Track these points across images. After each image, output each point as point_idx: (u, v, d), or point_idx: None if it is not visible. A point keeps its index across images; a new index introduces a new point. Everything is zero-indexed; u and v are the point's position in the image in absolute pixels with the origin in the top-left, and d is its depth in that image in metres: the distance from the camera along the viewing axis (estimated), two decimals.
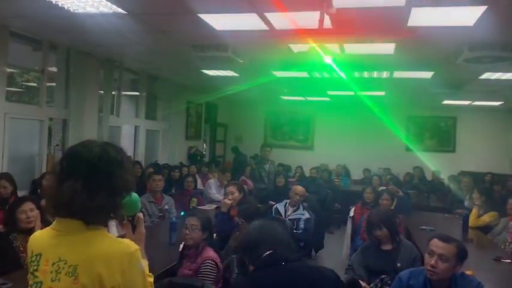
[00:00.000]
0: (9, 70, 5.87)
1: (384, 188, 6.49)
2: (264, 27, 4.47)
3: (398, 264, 3.33)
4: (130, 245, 1.36)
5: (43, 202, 3.79)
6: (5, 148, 5.30)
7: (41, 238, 1.41)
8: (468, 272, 2.64)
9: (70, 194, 1.30)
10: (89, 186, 1.31)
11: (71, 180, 1.32)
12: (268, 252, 1.91)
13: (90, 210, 1.31)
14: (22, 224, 3.14)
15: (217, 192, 6.70)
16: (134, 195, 1.47)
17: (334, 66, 5.97)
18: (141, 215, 1.58)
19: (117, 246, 1.34)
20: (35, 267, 1.36)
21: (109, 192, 1.34)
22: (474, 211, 5.19)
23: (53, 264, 1.32)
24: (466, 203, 5.81)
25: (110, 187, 1.34)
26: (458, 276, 2.50)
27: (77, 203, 1.30)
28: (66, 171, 1.35)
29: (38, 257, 1.36)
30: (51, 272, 1.32)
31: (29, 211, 3.17)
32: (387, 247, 3.55)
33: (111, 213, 1.39)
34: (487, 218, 5.11)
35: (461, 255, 2.48)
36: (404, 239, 3.86)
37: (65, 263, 1.30)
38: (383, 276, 3.30)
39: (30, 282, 1.38)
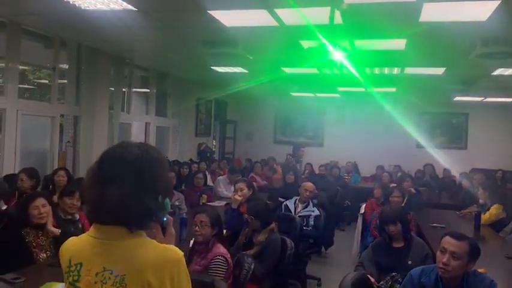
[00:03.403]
0: (21, 67, 5.92)
1: (394, 185, 6.44)
2: (274, 23, 4.45)
3: (409, 262, 3.30)
4: (176, 251, 1.32)
5: (55, 198, 3.86)
6: (17, 144, 5.36)
7: (80, 246, 1.34)
8: (480, 270, 2.62)
9: (117, 199, 1.25)
10: (136, 189, 1.27)
11: (116, 184, 1.26)
12: None
13: (137, 215, 1.27)
14: (34, 220, 3.16)
15: (226, 190, 6.71)
16: None
17: (344, 62, 5.93)
18: (170, 217, 1.56)
19: (165, 253, 1.30)
20: (76, 278, 1.30)
21: (155, 194, 1.31)
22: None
23: (97, 274, 1.27)
24: (481, 201, 5.75)
25: (155, 189, 1.31)
26: (470, 274, 2.48)
27: (125, 208, 1.25)
28: (108, 175, 1.29)
29: (79, 266, 1.30)
30: (96, 282, 1.26)
31: (41, 207, 3.19)
32: (398, 244, 3.52)
33: (155, 216, 1.35)
34: (493, 210, 5.12)
35: (473, 253, 2.45)
36: (416, 236, 3.83)
37: (111, 273, 1.25)
38: (393, 273, 3.28)
39: None
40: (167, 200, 1.49)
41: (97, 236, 1.31)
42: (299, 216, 5.03)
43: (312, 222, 5.11)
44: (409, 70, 6.89)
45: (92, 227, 1.34)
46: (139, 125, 8.36)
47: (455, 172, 9.12)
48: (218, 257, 3.07)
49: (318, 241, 5.29)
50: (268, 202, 4.72)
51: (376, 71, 7.04)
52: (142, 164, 1.31)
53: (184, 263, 1.32)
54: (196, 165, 8.35)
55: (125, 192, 1.25)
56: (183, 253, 1.33)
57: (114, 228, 1.28)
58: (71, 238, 1.42)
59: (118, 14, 4.39)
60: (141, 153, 1.33)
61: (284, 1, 3.71)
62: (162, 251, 1.30)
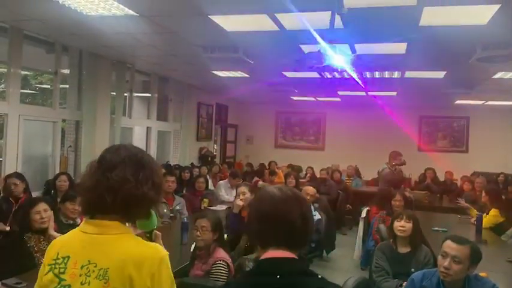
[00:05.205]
0: (23, 72, 5.95)
1: None
2: (275, 27, 4.47)
3: (412, 269, 3.26)
4: (159, 249, 1.35)
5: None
6: (19, 149, 5.38)
7: (68, 240, 1.39)
8: (482, 274, 2.61)
9: (119, 181, 1.32)
10: (136, 175, 1.35)
11: (118, 169, 1.34)
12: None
13: (135, 199, 1.33)
14: (36, 225, 3.17)
15: (227, 194, 6.71)
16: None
17: (345, 66, 5.94)
18: (158, 232, 1.59)
19: (148, 250, 1.33)
20: (62, 270, 1.32)
21: (153, 184, 1.38)
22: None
23: (82, 267, 1.30)
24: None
25: (153, 180, 1.38)
26: (472, 278, 2.48)
27: (125, 190, 1.31)
28: (110, 164, 1.36)
29: (66, 259, 1.33)
30: (81, 275, 1.29)
31: (43, 212, 3.20)
32: (404, 250, 3.49)
33: (151, 207, 1.42)
34: (492, 213, 5.13)
35: (475, 257, 2.45)
36: (423, 244, 3.78)
37: (95, 266, 1.29)
38: (395, 280, 3.27)
39: (54, 285, 1.33)
40: (154, 214, 1.53)
41: (86, 230, 1.36)
42: None
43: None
44: (410, 74, 6.90)
45: (83, 222, 1.40)
46: (140, 130, 8.38)
47: (457, 175, 9.12)
48: (219, 261, 3.07)
49: (320, 245, 5.27)
50: None
51: (377, 75, 7.05)
52: (142, 156, 1.42)
53: (168, 262, 1.35)
54: (197, 169, 8.36)
55: (127, 175, 1.33)
56: (167, 253, 1.36)
57: (104, 222, 1.33)
58: (62, 235, 1.48)
59: (119, 20, 4.41)
60: (140, 150, 1.44)
61: (284, 6, 3.72)
62: (144, 248, 1.34)
